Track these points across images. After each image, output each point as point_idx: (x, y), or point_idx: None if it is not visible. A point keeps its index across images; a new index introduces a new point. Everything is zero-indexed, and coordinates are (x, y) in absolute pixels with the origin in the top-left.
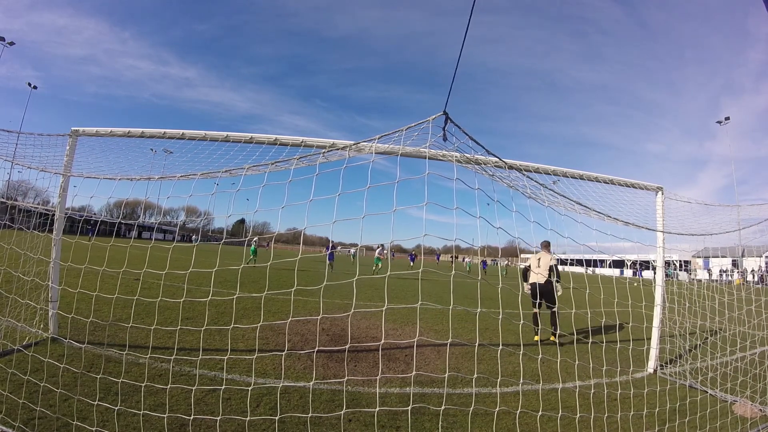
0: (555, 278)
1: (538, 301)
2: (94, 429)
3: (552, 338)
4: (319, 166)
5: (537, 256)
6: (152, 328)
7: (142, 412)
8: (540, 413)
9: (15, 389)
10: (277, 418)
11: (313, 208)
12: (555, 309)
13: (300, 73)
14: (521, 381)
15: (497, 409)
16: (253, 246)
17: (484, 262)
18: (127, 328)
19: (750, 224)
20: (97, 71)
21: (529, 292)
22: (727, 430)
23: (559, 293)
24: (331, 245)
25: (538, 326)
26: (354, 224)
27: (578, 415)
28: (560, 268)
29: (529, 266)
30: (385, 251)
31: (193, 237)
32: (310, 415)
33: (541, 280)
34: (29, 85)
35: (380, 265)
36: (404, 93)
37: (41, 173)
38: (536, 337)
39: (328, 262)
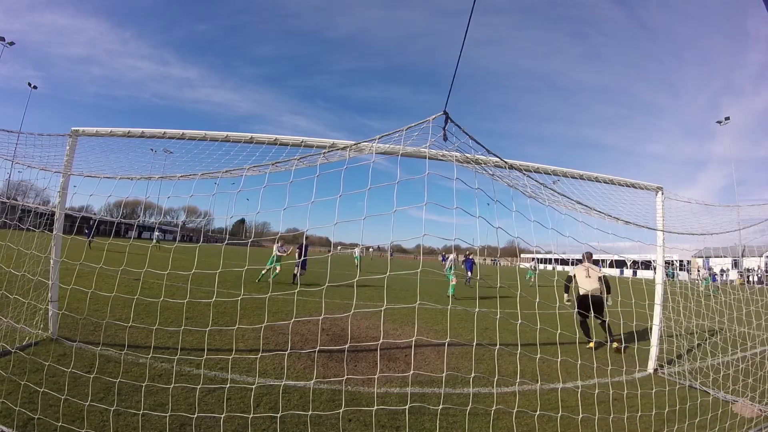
0: (606, 289)
1: (587, 312)
2: (93, 429)
3: (615, 345)
4: (320, 167)
5: (584, 267)
6: (154, 328)
7: (141, 412)
8: (538, 413)
9: (14, 389)
10: (278, 415)
11: (314, 208)
12: (606, 320)
13: (301, 73)
14: (518, 380)
15: (494, 407)
16: (274, 254)
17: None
18: (126, 328)
19: (750, 224)
20: (97, 71)
21: (569, 303)
22: (727, 431)
23: (609, 303)
24: (304, 245)
25: (589, 334)
26: (354, 224)
27: (580, 416)
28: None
29: (574, 276)
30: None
31: (159, 234)
32: (310, 413)
33: (597, 291)
34: (29, 85)
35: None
36: (405, 94)
37: (41, 173)
38: (591, 344)
39: (299, 271)
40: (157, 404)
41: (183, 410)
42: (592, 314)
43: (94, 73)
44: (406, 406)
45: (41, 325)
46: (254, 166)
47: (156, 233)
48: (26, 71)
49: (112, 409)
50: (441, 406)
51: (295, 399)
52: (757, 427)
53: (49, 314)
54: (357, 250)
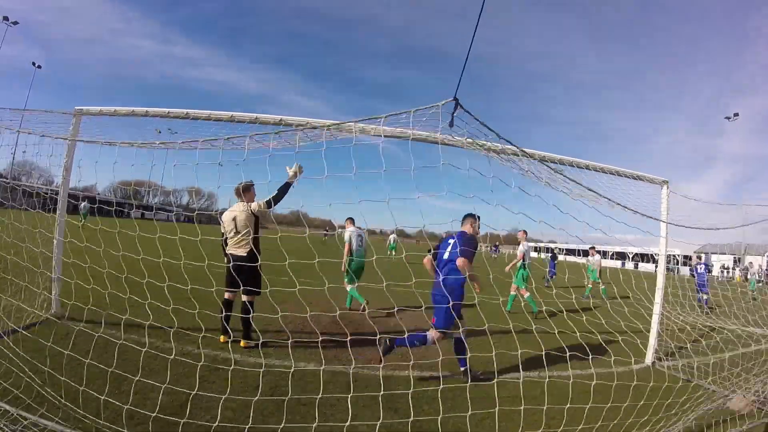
0: None
1: None
2: (95, 407)
3: None
4: (326, 144)
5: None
6: (195, 311)
7: (164, 391)
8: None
9: (17, 369)
10: (286, 399)
11: (315, 192)
12: None
13: (310, 54)
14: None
15: (495, 381)
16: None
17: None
18: (127, 309)
19: (754, 221)
20: (102, 51)
21: None
22: (721, 425)
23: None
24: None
25: None
26: (354, 207)
27: (567, 404)
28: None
29: None
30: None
31: (85, 205)
32: (319, 399)
33: None
34: (33, 64)
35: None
36: (415, 77)
37: (45, 153)
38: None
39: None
40: (159, 383)
41: (185, 388)
42: None
43: (98, 53)
44: (409, 390)
45: (44, 305)
46: (257, 133)
47: (82, 203)
48: (30, 51)
49: (136, 380)
50: (441, 387)
51: (295, 379)
52: (751, 423)
53: (53, 294)
54: (392, 238)
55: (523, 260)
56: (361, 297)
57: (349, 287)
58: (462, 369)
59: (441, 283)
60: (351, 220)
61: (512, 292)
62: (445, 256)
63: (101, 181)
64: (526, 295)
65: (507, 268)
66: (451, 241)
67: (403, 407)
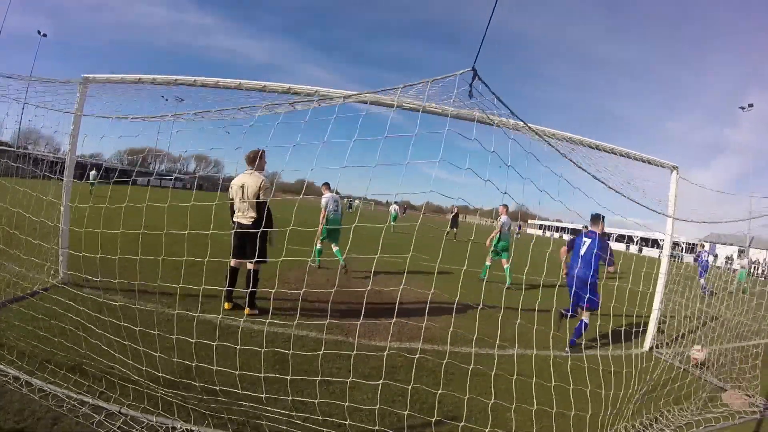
0: None
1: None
2: (102, 371)
3: None
4: (337, 113)
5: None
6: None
7: (167, 355)
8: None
9: (26, 335)
10: (288, 377)
11: (318, 160)
12: None
13: (321, 24)
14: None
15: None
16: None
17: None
18: (132, 274)
19: (760, 213)
20: (110, 19)
21: None
22: (713, 417)
23: None
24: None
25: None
26: (359, 178)
27: (555, 386)
28: None
29: None
30: None
31: (95, 174)
32: (320, 365)
33: None
34: (39, 32)
35: None
36: (426, 51)
37: (52, 120)
38: None
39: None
40: (163, 348)
41: (188, 353)
42: None
43: (107, 20)
44: (416, 356)
45: (51, 272)
46: (270, 104)
47: (92, 172)
48: (37, 20)
49: (140, 345)
50: (417, 356)
51: (297, 347)
52: (743, 418)
53: (60, 261)
54: (393, 208)
55: (501, 233)
56: (318, 258)
57: (318, 245)
58: (576, 341)
59: (579, 275)
60: (327, 185)
61: (487, 263)
62: (582, 251)
63: (107, 149)
64: (486, 262)
65: (487, 242)
66: (587, 240)
67: (401, 378)
